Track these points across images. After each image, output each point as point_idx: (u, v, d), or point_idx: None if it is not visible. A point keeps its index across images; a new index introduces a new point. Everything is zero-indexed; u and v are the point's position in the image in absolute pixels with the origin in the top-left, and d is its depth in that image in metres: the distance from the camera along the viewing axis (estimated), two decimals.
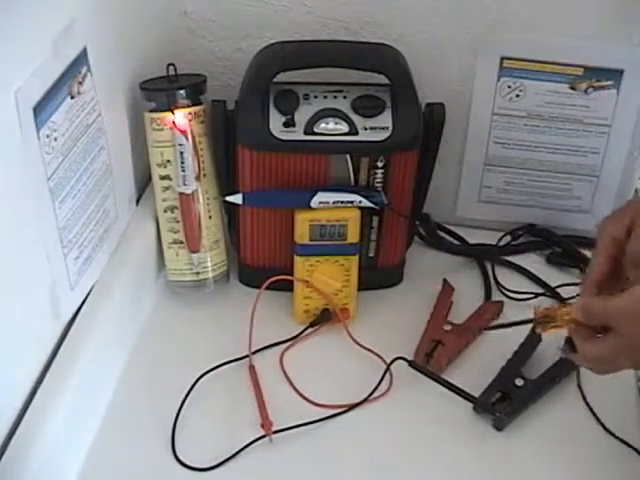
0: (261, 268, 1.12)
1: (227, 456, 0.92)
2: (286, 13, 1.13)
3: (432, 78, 1.10)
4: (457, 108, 1.12)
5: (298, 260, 1.05)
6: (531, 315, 1.07)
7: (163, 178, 1.06)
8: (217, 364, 1.01)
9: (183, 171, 1.05)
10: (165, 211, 1.08)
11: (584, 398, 0.99)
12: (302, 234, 1.03)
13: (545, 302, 1.13)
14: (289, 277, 1.07)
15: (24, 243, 0.82)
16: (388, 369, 1.01)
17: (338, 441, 0.95)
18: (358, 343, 1.05)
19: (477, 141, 1.18)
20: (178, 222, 1.08)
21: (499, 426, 0.96)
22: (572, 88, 1.11)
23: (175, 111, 1.03)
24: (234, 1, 1.13)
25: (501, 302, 1.12)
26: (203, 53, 1.18)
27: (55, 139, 0.85)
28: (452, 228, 1.22)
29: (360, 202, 1.03)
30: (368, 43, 1.07)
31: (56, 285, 0.89)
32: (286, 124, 1.01)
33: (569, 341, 0.82)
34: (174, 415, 0.96)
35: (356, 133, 1.02)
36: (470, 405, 0.97)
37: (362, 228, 1.05)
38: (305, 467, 0.92)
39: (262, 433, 0.93)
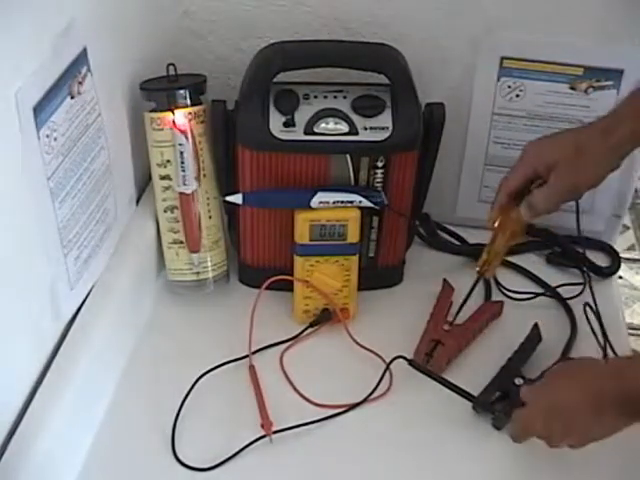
0: (261, 268, 1.12)
1: (227, 456, 0.92)
2: (286, 13, 1.13)
3: (432, 78, 1.10)
4: (457, 108, 1.12)
5: (298, 260, 1.05)
6: (531, 317, 1.08)
7: (163, 178, 1.06)
8: (217, 364, 1.01)
9: (183, 171, 1.05)
10: (165, 211, 1.08)
11: None
12: (302, 234, 1.03)
13: (545, 301, 1.14)
14: (289, 277, 1.07)
15: (24, 243, 0.82)
16: (388, 368, 1.01)
17: (338, 441, 0.95)
18: (358, 343, 1.05)
19: (477, 141, 1.18)
20: (178, 222, 1.08)
21: (498, 425, 0.96)
22: (572, 88, 1.11)
23: (175, 111, 1.03)
24: (234, 1, 1.13)
25: (501, 302, 1.12)
26: (203, 53, 1.18)
27: (55, 139, 0.85)
28: (452, 228, 1.22)
29: (360, 202, 1.03)
30: (368, 43, 1.07)
31: (56, 285, 0.90)
32: (286, 124, 1.01)
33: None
34: (174, 415, 0.96)
35: (356, 133, 1.02)
36: (470, 404, 0.97)
37: (362, 228, 1.05)
38: (305, 467, 0.92)
39: (262, 433, 0.94)
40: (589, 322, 1.07)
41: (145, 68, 1.07)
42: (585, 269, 1.17)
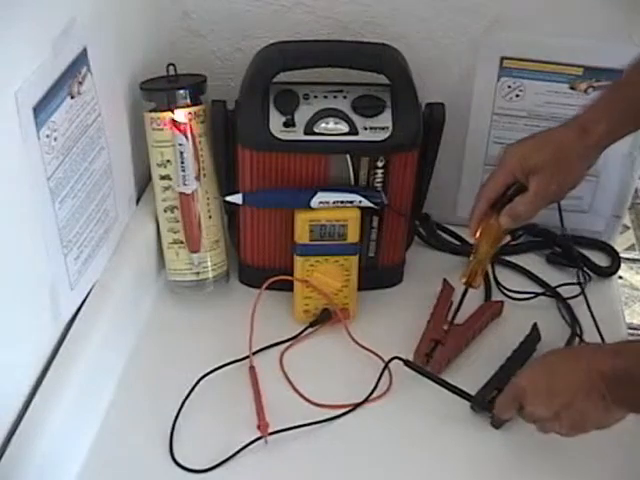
0: (261, 268, 1.12)
1: (224, 458, 0.92)
2: (286, 13, 1.13)
3: (432, 78, 1.10)
4: (457, 108, 1.12)
5: (298, 260, 1.05)
6: (531, 317, 1.08)
7: (163, 178, 1.06)
8: (217, 365, 1.01)
9: (183, 171, 1.05)
10: (165, 211, 1.08)
11: None
12: (302, 234, 1.03)
13: (545, 301, 1.14)
14: (289, 277, 1.07)
15: (24, 243, 0.82)
16: (385, 369, 1.01)
17: (337, 441, 0.95)
18: (358, 343, 1.05)
19: (477, 141, 1.18)
20: (178, 222, 1.08)
21: (497, 424, 0.96)
22: (572, 88, 1.11)
23: (175, 111, 1.03)
24: (234, 1, 1.13)
25: (501, 302, 1.12)
26: (203, 53, 1.18)
27: (55, 139, 0.85)
28: (452, 228, 1.22)
29: (360, 202, 1.03)
30: (368, 43, 1.07)
31: (56, 285, 0.89)
32: (286, 124, 1.01)
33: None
34: (173, 416, 0.96)
35: (356, 133, 1.02)
36: (468, 404, 0.97)
37: (362, 228, 1.05)
38: (303, 468, 0.92)
39: (259, 435, 0.93)
40: (594, 318, 1.07)
41: (145, 68, 1.07)
42: (585, 269, 1.17)
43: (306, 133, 1.01)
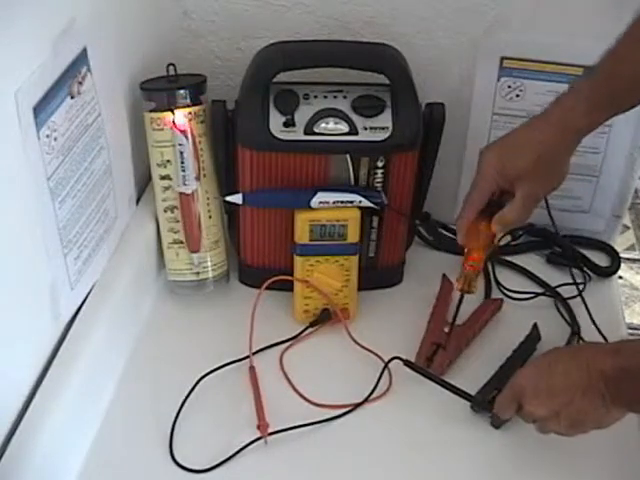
0: (261, 268, 1.12)
1: (223, 458, 0.91)
2: (286, 13, 1.13)
3: (432, 78, 1.10)
4: (457, 108, 1.12)
5: (298, 260, 1.05)
6: (531, 317, 1.08)
7: (163, 178, 1.06)
8: (217, 365, 1.01)
9: (183, 171, 1.05)
10: (165, 211, 1.08)
11: None
12: (302, 234, 1.03)
13: (544, 301, 1.14)
14: (289, 277, 1.07)
15: (24, 243, 0.82)
16: (385, 369, 1.01)
17: (337, 441, 0.95)
18: (358, 343, 1.05)
19: (477, 141, 1.17)
20: (178, 222, 1.08)
21: (496, 424, 0.96)
22: None
23: (175, 111, 1.03)
24: (234, 1, 1.13)
25: (500, 299, 1.12)
26: (203, 53, 1.18)
27: (55, 139, 0.85)
28: (453, 227, 1.22)
29: (360, 202, 1.03)
30: (368, 43, 1.07)
31: (56, 285, 0.90)
32: (286, 124, 1.01)
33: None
34: (173, 416, 0.96)
35: (356, 133, 1.02)
36: (468, 403, 0.97)
37: (362, 228, 1.05)
38: (303, 468, 0.92)
39: (259, 435, 0.93)
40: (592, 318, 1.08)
41: (145, 68, 1.07)
42: (585, 269, 1.17)
43: (306, 133, 1.01)
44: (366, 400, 0.99)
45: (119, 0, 1.01)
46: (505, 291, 1.14)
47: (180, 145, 1.03)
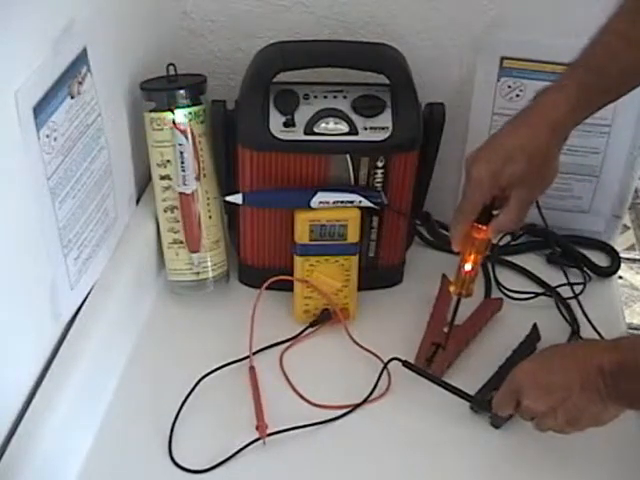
0: (261, 268, 1.12)
1: (223, 458, 0.91)
2: (286, 13, 1.13)
3: (432, 78, 1.10)
4: (457, 108, 1.12)
5: (298, 260, 1.05)
6: (531, 317, 1.08)
7: (163, 178, 1.06)
8: (217, 365, 1.01)
9: (183, 171, 1.05)
10: (165, 211, 1.08)
11: None
12: (302, 234, 1.03)
13: (544, 301, 1.14)
14: (289, 277, 1.07)
15: (24, 243, 0.82)
16: (384, 369, 1.00)
17: (336, 442, 0.95)
18: (358, 343, 1.05)
19: (477, 141, 1.17)
20: (178, 222, 1.08)
21: (496, 424, 0.96)
22: None
23: (175, 111, 1.03)
24: (234, 1, 1.13)
25: (500, 299, 1.12)
26: (203, 53, 1.18)
27: (55, 139, 0.85)
28: None
29: (360, 202, 1.03)
30: (368, 43, 1.07)
31: (56, 285, 0.89)
32: (286, 124, 1.01)
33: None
34: (173, 416, 0.96)
35: (356, 133, 1.02)
36: (467, 404, 0.97)
37: (362, 228, 1.05)
38: (302, 468, 0.92)
39: (258, 435, 0.93)
40: (589, 320, 1.08)
41: (145, 68, 1.07)
42: (585, 269, 1.17)
43: (306, 133, 1.01)
44: (365, 401, 0.99)
45: (119, 0, 1.01)
46: (505, 291, 1.14)
47: (180, 145, 1.03)
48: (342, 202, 1.02)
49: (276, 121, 1.02)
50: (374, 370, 1.01)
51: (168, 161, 1.05)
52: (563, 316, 1.11)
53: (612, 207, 1.20)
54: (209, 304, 1.11)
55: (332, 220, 1.03)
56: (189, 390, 0.98)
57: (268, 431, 0.93)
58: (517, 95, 1.14)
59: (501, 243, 1.21)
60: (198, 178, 1.06)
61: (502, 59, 1.11)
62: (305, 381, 1.01)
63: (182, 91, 1.03)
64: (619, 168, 1.16)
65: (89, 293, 0.98)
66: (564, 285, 1.14)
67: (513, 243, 1.22)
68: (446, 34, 1.11)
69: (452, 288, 1.01)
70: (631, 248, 2.53)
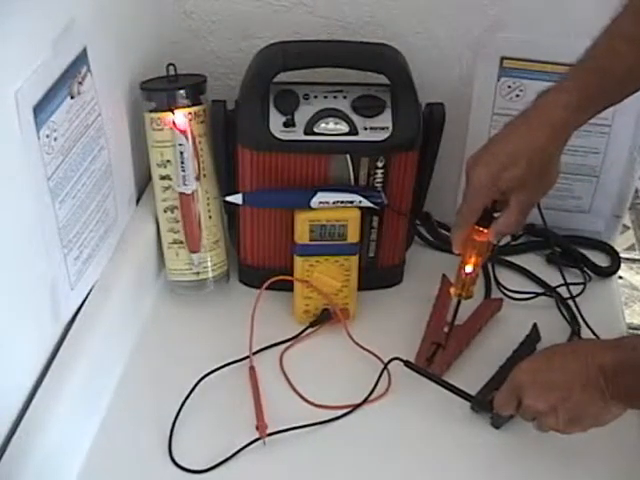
0: (261, 268, 1.12)
1: (223, 458, 0.91)
2: (286, 13, 1.13)
3: (432, 78, 1.10)
4: (457, 108, 1.12)
5: (298, 260, 1.05)
6: (531, 317, 1.08)
7: (163, 178, 1.06)
8: (217, 365, 1.01)
9: (183, 171, 1.05)
10: (165, 211, 1.08)
11: None
12: (302, 234, 1.03)
13: (544, 301, 1.13)
14: (289, 277, 1.07)
15: (24, 243, 0.82)
16: (385, 369, 1.01)
17: (336, 442, 0.95)
18: (357, 343, 1.05)
19: (477, 141, 1.17)
20: (178, 222, 1.08)
21: (497, 424, 0.96)
22: None
23: (175, 111, 1.03)
24: (234, 1, 1.13)
25: (500, 299, 1.12)
26: (203, 53, 1.18)
27: (55, 139, 0.85)
28: None
29: (360, 202, 1.03)
30: (368, 43, 1.07)
31: (56, 285, 0.89)
32: (286, 124, 1.01)
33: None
34: (173, 416, 0.95)
35: (356, 133, 1.02)
36: (468, 404, 0.97)
37: (362, 228, 1.05)
38: (302, 468, 0.92)
39: (258, 435, 0.93)
40: (586, 323, 1.08)
41: (145, 68, 1.07)
42: (585, 269, 1.17)
43: (306, 133, 1.01)
44: (365, 401, 0.98)
45: (119, 0, 1.01)
46: (505, 291, 1.14)
47: (180, 145, 1.03)
48: (342, 202, 1.02)
49: (276, 121, 1.02)
50: (374, 370, 1.01)
51: (168, 161, 1.05)
52: (563, 316, 1.11)
53: (612, 207, 1.20)
54: (209, 304, 1.11)
55: (332, 220, 1.03)
56: (189, 390, 0.98)
57: (268, 431, 0.93)
58: (517, 95, 1.14)
59: (501, 243, 1.21)
60: (198, 178, 1.06)
61: (502, 59, 1.11)
62: (305, 381, 1.01)
63: (182, 91, 1.03)
64: (619, 168, 1.16)
65: (89, 293, 0.98)
66: (564, 285, 1.14)
67: (513, 243, 1.22)
68: (446, 34, 1.11)
69: (452, 290, 1.01)
70: (631, 248, 2.53)
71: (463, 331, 1.06)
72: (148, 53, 1.10)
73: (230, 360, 1.02)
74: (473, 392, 0.97)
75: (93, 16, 0.91)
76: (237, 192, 1.06)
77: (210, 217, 1.09)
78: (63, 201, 0.88)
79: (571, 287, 1.13)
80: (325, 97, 1.04)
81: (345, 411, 0.97)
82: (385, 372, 1.00)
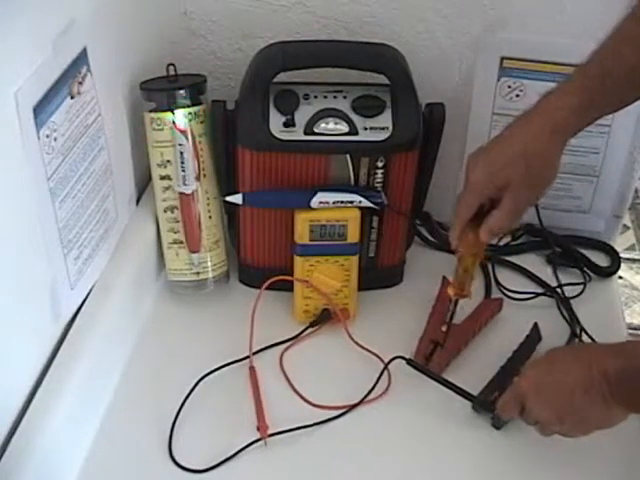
0: (261, 268, 1.12)
1: (223, 458, 0.91)
2: (286, 13, 1.13)
3: (432, 78, 1.10)
4: (457, 108, 1.12)
5: (298, 260, 1.05)
6: (531, 317, 1.08)
7: (163, 178, 1.06)
8: (217, 365, 1.01)
9: (183, 171, 1.05)
10: (165, 211, 1.08)
11: None
12: (302, 234, 1.03)
13: (545, 301, 1.14)
14: (289, 277, 1.07)
15: (24, 243, 0.82)
16: (386, 369, 1.01)
17: (336, 442, 0.95)
18: (357, 343, 1.05)
19: (477, 141, 1.17)
20: (178, 222, 1.08)
21: (498, 424, 0.96)
22: None
23: (175, 111, 1.03)
24: (234, 1, 1.13)
25: (500, 299, 1.12)
26: (203, 53, 1.18)
27: (55, 139, 0.85)
28: None
29: (360, 202, 1.03)
30: (368, 43, 1.07)
31: (56, 285, 0.90)
32: (286, 124, 1.01)
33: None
34: (173, 416, 0.96)
35: (356, 133, 1.02)
36: (469, 404, 0.97)
37: (362, 228, 1.05)
38: (302, 469, 0.92)
39: (259, 436, 0.93)
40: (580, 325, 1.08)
41: (145, 68, 1.07)
42: (585, 269, 1.17)
43: (306, 133, 1.01)
44: (364, 400, 0.98)
45: (119, 0, 1.01)
46: (505, 291, 1.14)
47: (180, 145, 1.03)
48: (342, 202, 1.02)
49: (276, 121, 1.02)
50: (374, 370, 1.01)
51: (168, 161, 1.05)
52: (563, 316, 1.11)
53: (612, 207, 1.20)
54: (209, 304, 1.11)
55: (332, 220, 1.03)
56: (189, 390, 0.98)
57: (269, 432, 0.93)
58: (517, 95, 1.14)
59: (501, 243, 1.21)
60: (198, 178, 1.06)
61: (502, 59, 1.11)
62: (305, 381, 1.01)
63: (182, 91, 1.04)
64: (619, 168, 1.16)
65: (89, 293, 0.98)
66: (564, 285, 1.14)
67: (513, 243, 1.22)
68: (446, 34, 1.11)
69: (450, 290, 1.01)
70: (631, 248, 2.53)
71: (462, 330, 1.06)
72: (148, 53, 1.10)
73: (230, 360, 1.02)
74: (474, 392, 0.97)
75: (93, 16, 0.91)
76: (237, 192, 1.06)
77: (210, 217, 1.09)
78: (63, 201, 0.88)
79: (571, 287, 1.13)
80: (325, 97, 1.04)
81: (345, 411, 0.97)
82: (385, 372, 1.00)
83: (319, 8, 1.12)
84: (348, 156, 1.03)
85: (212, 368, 1.00)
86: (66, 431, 0.87)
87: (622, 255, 1.24)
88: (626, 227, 2.54)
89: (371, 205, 1.03)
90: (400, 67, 1.03)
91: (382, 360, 1.02)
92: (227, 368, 1.01)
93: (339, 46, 1.07)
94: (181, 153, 1.04)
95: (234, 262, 1.15)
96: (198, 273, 1.10)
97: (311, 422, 0.95)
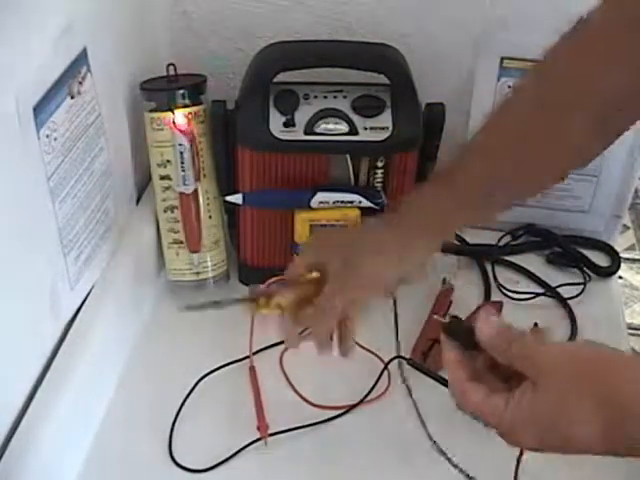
0: (261, 268, 1.12)
1: (223, 458, 0.92)
2: (286, 13, 1.13)
3: (432, 78, 1.10)
4: (457, 108, 1.12)
5: None
6: (531, 317, 1.08)
7: (163, 178, 1.06)
8: (217, 365, 1.01)
9: (183, 171, 1.05)
10: (165, 211, 1.08)
11: None
12: (302, 234, 1.03)
13: (545, 301, 1.13)
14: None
15: (24, 243, 0.82)
16: (385, 368, 1.01)
17: (336, 442, 0.95)
18: (357, 343, 1.05)
19: None
20: (178, 222, 1.08)
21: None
22: None
23: (175, 111, 1.03)
24: (234, 1, 1.13)
25: (500, 302, 1.12)
26: (203, 53, 1.18)
27: (55, 139, 0.85)
28: None
29: (360, 202, 1.03)
30: (368, 43, 1.07)
31: (56, 285, 0.90)
32: (286, 124, 1.01)
33: None
34: (173, 416, 0.96)
35: (356, 133, 1.02)
36: None
37: None
38: (303, 469, 0.92)
39: (259, 436, 0.93)
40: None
41: (145, 68, 1.07)
42: (585, 269, 1.17)
43: (306, 133, 1.01)
44: (364, 400, 0.98)
45: (119, 0, 1.01)
46: (505, 291, 1.14)
47: (180, 145, 1.03)
48: (342, 202, 1.02)
49: (276, 121, 1.02)
50: (374, 370, 1.01)
51: (168, 161, 1.05)
52: (563, 316, 1.11)
53: (612, 207, 1.20)
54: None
55: (332, 220, 1.03)
56: (189, 390, 0.98)
57: (269, 431, 0.93)
58: None
59: (501, 243, 1.21)
60: (198, 178, 1.06)
61: (502, 59, 1.11)
62: (305, 381, 1.01)
63: (182, 91, 1.03)
64: (619, 168, 1.16)
65: (89, 293, 0.98)
66: (564, 285, 1.14)
67: (513, 243, 1.22)
68: (446, 34, 1.11)
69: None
70: (631, 248, 2.53)
71: None
72: (148, 53, 1.10)
73: (230, 360, 1.02)
74: None
75: (93, 16, 0.91)
76: (237, 192, 1.06)
77: (210, 217, 1.09)
78: (63, 201, 0.88)
79: (571, 287, 1.13)
80: (325, 97, 1.03)
81: (345, 411, 0.97)
82: (385, 372, 1.00)
83: (319, 8, 1.12)
84: (348, 156, 1.03)
85: (212, 368, 1.01)
86: (66, 431, 0.87)
87: (622, 255, 1.24)
88: (626, 227, 2.54)
89: (371, 205, 1.03)
90: (400, 67, 1.03)
91: (382, 360, 1.02)
92: (227, 368, 1.01)
93: (339, 46, 1.07)
94: (181, 153, 1.04)
95: (234, 262, 1.15)
96: (198, 273, 1.10)
97: (311, 422, 0.95)
